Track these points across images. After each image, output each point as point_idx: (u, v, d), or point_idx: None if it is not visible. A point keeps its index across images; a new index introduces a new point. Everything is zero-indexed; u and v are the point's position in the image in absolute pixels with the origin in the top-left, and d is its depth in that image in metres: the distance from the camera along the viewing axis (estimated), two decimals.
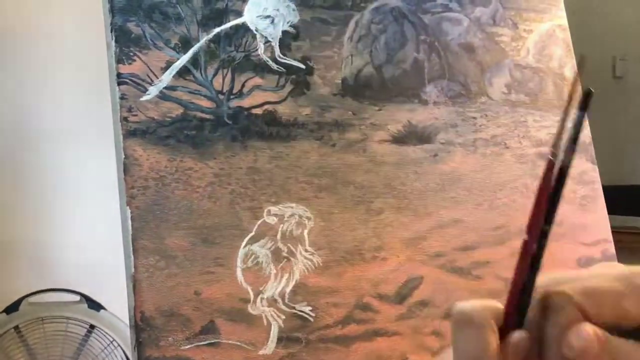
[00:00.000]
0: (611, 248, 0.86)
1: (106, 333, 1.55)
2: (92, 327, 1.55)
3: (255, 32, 0.71)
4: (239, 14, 0.71)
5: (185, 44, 0.68)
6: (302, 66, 0.72)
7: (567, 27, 0.89)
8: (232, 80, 0.69)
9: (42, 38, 1.71)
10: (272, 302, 0.67)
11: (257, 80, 0.70)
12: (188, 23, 0.69)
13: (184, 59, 0.68)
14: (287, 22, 0.72)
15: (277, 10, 0.72)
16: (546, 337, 0.34)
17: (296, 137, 0.71)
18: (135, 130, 0.65)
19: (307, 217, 0.70)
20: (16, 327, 1.53)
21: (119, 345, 1.54)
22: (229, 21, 0.70)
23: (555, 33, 0.88)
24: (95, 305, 1.57)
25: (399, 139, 0.75)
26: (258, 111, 0.70)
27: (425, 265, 0.74)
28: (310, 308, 0.68)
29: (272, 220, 0.68)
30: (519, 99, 0.83)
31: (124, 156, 0.64)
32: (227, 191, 0.67)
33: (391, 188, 0.74)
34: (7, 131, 1.71)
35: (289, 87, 0.71)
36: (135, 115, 0.65)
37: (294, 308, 0.68)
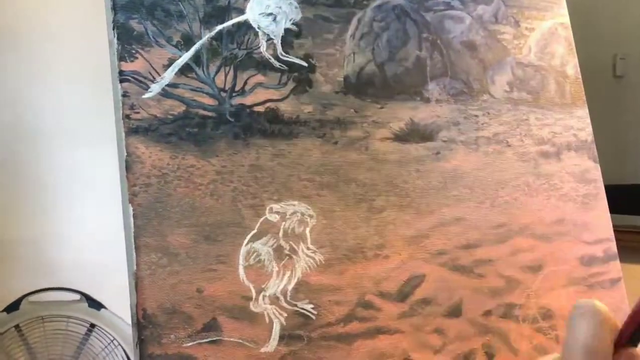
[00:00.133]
0: (613, 247, 0.86)
1: (106, 332, 1.55)
2: (92, 326, 1.55)
3: (257, 29, 0.71)
4: (241, 11, 0.71)
5: (187, 41, 0.68)
6: (305, 64, 0.72)
7: (569, 25, 0.89)
8: (235, 77, 0.69)
9: (43, 36, 1.71)
10: (274, 299, 0.67)
11: (260, 78, 0.70)
12: (190, 20, 0.69)
13: (186, 56, 0.68)
14: (290, 20, 0.72)
15: (280, 7, 0.72)
16: None
17: (298, 134, 0.71)
18: (137, 128, 0.65)
19: (309, 215, 0.70)
20: (17, 326, 1.53)
21: (119, 344, 1.54)
22: (231, 19, 0.70)
23: (557, 31, 0.88)
24: (95, 304, 1.57)
25: (401, 137, 0.75)
26: (260, 109, 0.70)
27: (427, 263, 0.74)
28: (312, 306, 0.68)
29: (274, 218, 0.68)
30: (521, 97, 0.83)
31: (126, 154, 0.64)
32: (230, 189, 0.67)
33: (393, 186, 0.74)
34: (7, 129, 1.71)
35: (291, 85, 0.71)
36: (138, 112, 0.65)
37: (295, 306, 0.68)
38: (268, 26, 0.71)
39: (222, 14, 0.70)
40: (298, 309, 0.68)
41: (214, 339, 0.64)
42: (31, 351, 1.52)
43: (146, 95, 0.66)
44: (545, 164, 0.83)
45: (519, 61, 0.85)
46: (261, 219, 0.68)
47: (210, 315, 0.64)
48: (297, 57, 0.72)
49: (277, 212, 0.68)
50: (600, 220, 0.85)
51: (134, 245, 0.63)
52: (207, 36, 0.69)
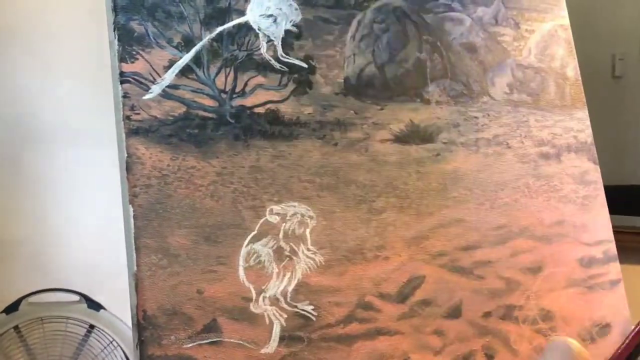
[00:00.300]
0: (613, 248, 0.86)
1: (106, 333, 1.55)
2: (91, 327, 1.55)
3: (257, 31, 0.71)
4: (242, 13, 0.71)
5: (188, 42, 0.68)
6: (305, 65, 0.72)
7: (569, 27, 0.89)
8: (235, 79, 0.69)
9: (43, 36, 1.71)
10: (274, 301, 0.67)
11: (260, 79, 0.70)
12: (191, 22, 0.69)
13: (187, 57, 0.68)
14: (290, 21, 0.72)
15: (280, 9, 0.72)
16: None
17: (298, 136, 0.71)
18: (137, 129, 0.65)
19: (310, 216, 0.70)
20: (16, 327, 1.53)
21: (118, 345, 1.54)
22: (232, 20, 0.70)
23: (557, 33, 0.88)
24: (94, 305, 1.57)
25: (401, 139, 0.75)
26: (260, 110, 0.70)
27: (427, 265, 0.74)
28: (312, 307, 0.68)
29: (274, 219, 0.68)
30: (521, 98, 0.84)
31: (126, 155, 0.64)
32: (230, 190, 0.67)
33: (393, 187, 0.74)
34: (8, 130, 1.71)
35: (291, 86, 0.72)
36: (138, 113, 0.65)
37: (296, 307, 0.68)
38: (268, 27, 0.71)
39: (223, 15, 0.70)
40: (298, 310, 0.68)
41: (214, 340, 0.64)
42: (30, 352, 1.52)
43: (147, 97, 0.66)
44: (545, 166, 0.83)
45: (519, 63, 0.85)
46: (261, 220, 0.68)
47: (211, 316, 0.64)
48: (297, 59, 0.72)
49: (278, 214, 0.69)
50: (599, 222, 0.85)
51: (134, 246, 0.63)
52: (207, 37, 0.69)
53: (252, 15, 0.71)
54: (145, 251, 0.63)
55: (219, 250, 0.66)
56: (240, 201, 0.67)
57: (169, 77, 0.67)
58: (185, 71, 0.68)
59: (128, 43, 0.66)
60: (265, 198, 0.68)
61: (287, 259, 0.68)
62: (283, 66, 0.72)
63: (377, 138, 0.74)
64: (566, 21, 0.90)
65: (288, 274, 0.68)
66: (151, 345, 0.61)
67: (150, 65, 0.67)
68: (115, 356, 1.52)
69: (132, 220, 0.63)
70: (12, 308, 1.53)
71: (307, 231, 0.69)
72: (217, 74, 0.69)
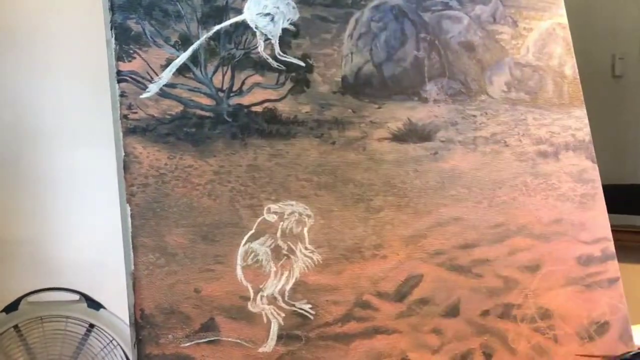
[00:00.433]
0: (611, 246, 0.86)
1: (105, 332, 1.55)
2: (91, 326, 1.55)
3: (255, 29, 0.71)
4: (239, 11, 0.71)
5: (185, 41, 0.68)
6: (302, 64, 0.72)
7: (567, 26, 0.89)
8: (232, 77, 0.69)
9: (43, 36, 1.71)
10: (272, 299, 0.67)
11: (257, 78, 0.70)
12: (188, 20, 0.69)
13: (184, 56, 0.68)
14: (287, 20, 0.72)
15: (277, 7, 0.72)
16: None
17: (296, 134, 0.71)
18: (135, 128, 0.65)
19: (307, 215, 0.70)
20: (15, 327, 1.53)
21: (118, 344, 1.54)
22: (229, 19, 0.70)
23: (555, 31, 0.88)
24: (94, 304, 1.57)
25: (399, 137, 0.75)
26: (258, 109, 0.70)
27: (425, 263, 0.74)
28: (310, 306, 0.68)
29: (272, 218, 0.68)
30: (519, 97, 0.84)
31: (123, 154, 0.64)
32: (227, 189, 0.67)
33: (391, 186, 0.74)
34: (6, 130, 1.71)
35: (288, 85, 0.71)
36: (135, 112, 0.65)
37: (293, 306, 0.68)
38: (266, 26, 0.71)
39: (220, 14, 0.70)
40: (296, 309, 0.68)
41: (212, 339, 0.64)
42: (30, 351, 1.52)
43: (144, 95, 0.66)
44: (543, 164, 0.83)
45: (517, 61, 0.85)
46: (259, 219, 0.68)
47: (208, 315, 0.64)
48: (294, 57, 0.72)
49: (275, 212, 0.69)
50: (597, 220, 0.85)
51: (131, 245, 0.63)
52: (204, 36, 0.69)
53: (250, 14, 0.71)
54: (142, 250, 0.63)
55: (217, 249, 0.66)
56: (237, 200, 0.67)
57: (166, 75, 0.67)
58: (182, 70, 0.68)
59: (125, 42, 0.66)
60: (263, 197, 0.68)
61: (285, 257, 0.68)
62: (280, 65, 0.71)
63: (375, 137, 0.74)
64: (564, 19, 0.90)
65: (286, 273, 0.68)
66: (149, 344, 0.61)
67: (148, 64, 0.67)
68: (115, 355, 1.52)
69: (129, 219, 0.63)
70: (12, 307, 1.53)
71: (305, 230, 0.69)
72: (214, 72, 0.69)
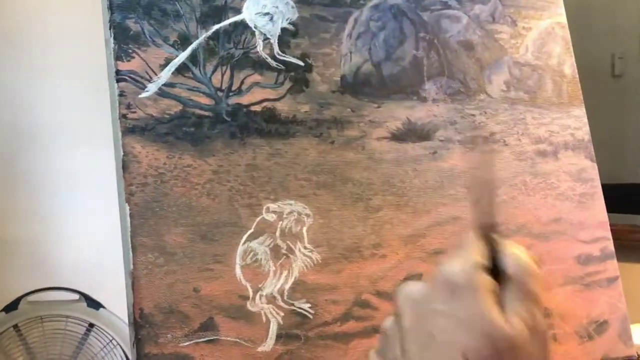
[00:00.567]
0: (610, 245, 0.86)
1: (105, 331, 1.55)
2: (91, 325, 1.55)
3: (254, 29, 0.71)
4: (238, 11, 0.71)
5: (184, 41, 0.68)
6: (301, 63, 0.72)
7: (566, 25, 0.89)
8: (231, 77, 0.69)
9: (39, 35, 1.71)
10: (271, 299, 0.67)
11: (256, 78, 0.70)
12: (187, 20, 0.69)
13: (183, 56, 0.68)
14: (286, 19, 0.72)
15: (276, 7, 0.72)
16: None
17: (295, 134, 0.71)
18: (134, 128, 0.65)
19: (306, 214, 0.70)
20: (15, 326, 1.53)
21: (118, 343, 1.54)
22: (228, 18, 0.70)
23: (555, 30, 0.88)
24: (94, 304, 1.57)
25: (398, 136, 0.75)
26: (257, 108, 0.70)
27: (424, 263, 0.74)
28: (309, 305, 0.68)
29: (271, 217, 0.68)
30: (518, 96, 0.84)
31: (122, 153, 0.64)
32: (226, 188, 0.67)
33: (390, 185, 0.74)
34: (7, 129, 1.71)
35: (287, 84, 0.71)
36: (134, 112, 0.65)
37: (293, 305, 0.68)
38: (265, 25, 0.71)
39: (219, 13, 0.70)
40: (295, 308, 0.68)
41: (211, 338, 0.64)
42: (30, 351, 1.52)
43: (143, 95, 0.66)
44: (543, 163, 0.83)
45: (516, 60, 0.85)
46: (258, 219, 0.68)
47: (207, 314, 0.64)
48: (293, 57, 0.72)
49: (274, 212, 0.69)
50: (597, 219, 0.85)
51: (130, 245, 0.63)
52: (203, 36, 0.69)
53: (249, 13, 0.71)
54: (141, 250, 0.63)
55: (216, 248, 0.66)
56: (236, 199, 0.67)
57: (165, 75, 0.67)
58: (181, 69, 0.68)
59: (124, 41, 0.66)
60: (262, 196, 0.68)
61: (284, 257, 0.68)
62: (279, 64, 0.71)
63: (374, 136, 0.74)
64: (563, 19, 0.89)
65: (285, 272, 0.68)
66: (148, 343, 0.61)
67: (146, 64, 0.67)
68: (115, 355, 1.52)
69: (128, 218, 0.63)
70: (12, 307, 1.53)
71: (304, 229, 0.69)
72: (213, 72, 0.69)
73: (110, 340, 1.54)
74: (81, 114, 1.72)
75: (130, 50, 0.66)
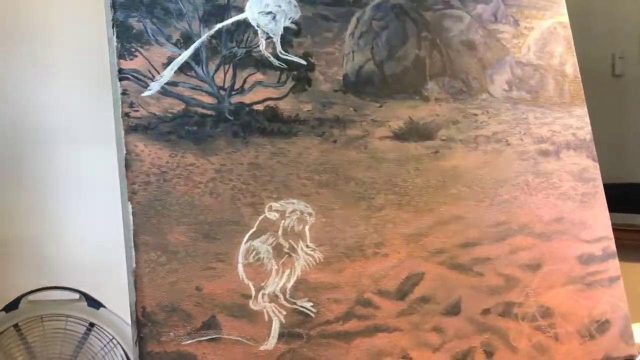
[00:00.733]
0: (612, 245, 0.86)
1: (106, 331, 1.55)
2: (91, 325, 1.55)
3: (256, 28, 0.71)
4: (241, 10, 0.71)
5: (186, 39, 0.68)
6: (304, 62, 0.72)
7: (568, 25, 0.89)
8: (234, 76, 0.69)
9: (42, 34, 1.71)
10: (273, 297, 0.67)
11: (259, 76, 0.70)
12: (189, 19, 0.69)
13: (186, 54, 0.68)
14: (289, 19, 0.72)
15: (279, 6, 0.72)
16: None
17: (297, 133, 0.71)
18: (136, 126, 0.65)
19: (309, 213, 0.70)
20: (15, 325, 1.53)
21: (118, 343, 1.54)
22: (231, 17, 0.70)
23: (557, 30, 0.88)
24: (94, 303, 1.57)
25: (400, 136, 0.75)
26: (259, 107, 0.70)
27: (426, 262, 0.74)
28: (311, 304, 0.68)
29: (273, 216, 0.68)
30: (520, 96, 0.84)
31: (125, 152, 0.64)
32: (229, 187, 0.67)
33: (392, 184, 0.74)
34: (6, 128, 1.71)
35: (290, 83, 0.71)
36: (137, 110, 0.65)
37: (295, 304, 0.68)
38: (267, 25, 0.71)
39: (222, 12, 0.70)
40: (297, 307, 0.68)
41: (213, 336, 0.64)
42: (30, 350, 1.52)
43: (145, 94, 0.66)
44: (545, 163, 0.83)
45: (518, 60, 0.85)
46: (260, 217, 0.68)
47: (210, 313, 0.64)
48: (296, 56, 0.72)
49: (277, 211, 0.69)
50: (598, 219, 0.85)
51: (133, 244, 0.63)
52: (206, 34, 0.69)
53: (251, 13, 0.71)
54: (144, 248, 0.63)
55: (218, 247, 0.66)
56: (239, 198, 0.67)
57: (168, 74, 0.67)
58: (184, 68, 0.68)
59: (127, 40, 0.66)
60: (264, 195, 0.68)
61: (287, 255, 0.68)
62: (282, 63, 0.72)
63: (376, 135, 0.74)
64: (565, 18, 0.90)
65: (287, 271, 0.68)
66: (150, 342, 0.61)
67: (149, 62, 0.67)
68: (115, 354, 1.52)
69: (131, 217, 0.63)
70: (12, 306, 1.53)
71: (306, 228, 0.70)
72: (216, 71, 0.69)
73: (111, 340, 1.54)
74: (83, 113, 1.72)
75: (133, 49, 0.66)
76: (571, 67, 0.88)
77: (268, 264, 0.68)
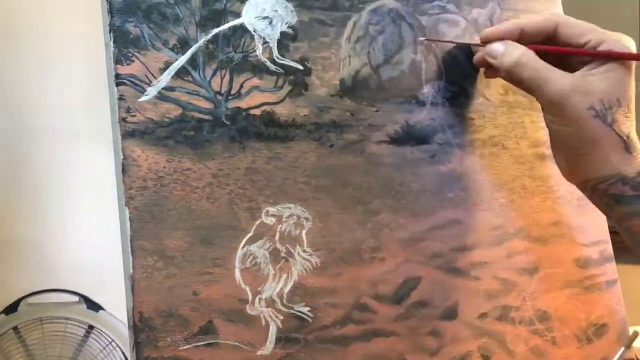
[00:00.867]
0: (609, 248, 0.87)
1: (105, 334, 1.55)
2: (90, 327, 1.55)
3: (253, 33, 0.71)
4: (237, 15, 0.71)
5: (183, 44, 0.68)
6: (300, 67, 0.72)
7: None
8: (231, 81, 0.70)
9: (40, 38, 1.72)
10: (270, 302, 0.67)
11: (255, 81, 0.70)
12: (186, 24, 0.69)
13: (183, 59, 0.68)
14: (285, 23, 0.72)
15: (275, 11, 0.72)
16: None
17: (294, 138, 0.71)
18: (133, 131, 0.65)
19: (306, 218, 0.70)
20: (15, 328, 1.53)
21: (117, 345, 1.55)
22: (227, 22, 0.70)
23: None
24: (94, 306, 1.57)
25: (397, 140, 0.76)
26: (256, 112, 0.70)
27: (423, 266, 0.74)
28: (308, 308, 0.68)
29: (270, 220, 0.68)
30: (516, 99, 0.84)
31: (122, 157, 0.64)
32: (226, 192, 0.67)
33: (389, 189, 0.74)
34: (5, 131, 1.71)
35: (287, 88, 0.72)
36: (134, 116, 0.65)
37: (292, 308, 0.68)
38: (264, 29, 0.71)
39: (218, 17, 0.70)
40: (294, 311, 0.68)
41: (211, 341, 0.64)
42: (29, 353, 1.52)
43: (142, 99, 0.66)
44: (541, 167, 0.84)
45: None
46: (257, 222, 0.68)
47: (207, 318, 0.64)
48: (293, 61, 0.72)
49: (273, 215, 0.69)
50: (595, 222, 0.86)
51: (130, 249, 0.63)
52: (203, 39, 0.69)
53: (248, 17, 0.71)
54: (141, 253, 0.63)
55: (215, 252, 0.66)
56: (236, 203, 0.67)
57: (165, 79, 0.67)
58: (180, 73, 0.68)
59: (124, 45, 0.66)
60: (261, 200, 0.68)
61: (283, 260, 0.69)
62: (279, 68, 0.72)
63: (373, 140, 0.75)
64: None
65: (284, 276, 0.68)
66: (147, 347, 0.62)
67: (146, 67, 0.67)
68: (114, 356, 1.53)
69: (127, 222, 0.63)
70: (12, 309, 1.53)
71: (303, 233, 0.70)
72: (212, 75, 0.69)
73: (110, 342, 1.54)
74: (81, 117, 1.72)
75: (130, 54, 0.66)
76: None
77: (265, 269, 0.68)
